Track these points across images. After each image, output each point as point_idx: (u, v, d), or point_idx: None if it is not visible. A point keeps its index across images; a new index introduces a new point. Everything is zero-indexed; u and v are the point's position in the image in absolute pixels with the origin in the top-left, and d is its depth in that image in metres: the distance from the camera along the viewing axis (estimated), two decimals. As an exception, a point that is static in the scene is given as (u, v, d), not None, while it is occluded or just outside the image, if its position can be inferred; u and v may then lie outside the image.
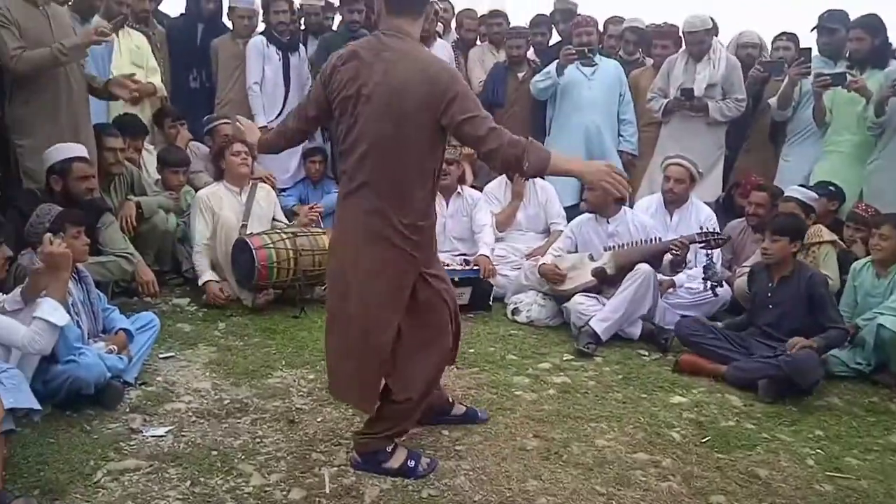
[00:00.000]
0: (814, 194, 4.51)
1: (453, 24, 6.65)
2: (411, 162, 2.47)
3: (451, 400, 3.10)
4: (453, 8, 6.69)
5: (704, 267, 4.25)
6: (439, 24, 6.12)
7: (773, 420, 3.36)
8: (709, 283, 4.23)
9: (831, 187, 4.75)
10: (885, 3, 4.93)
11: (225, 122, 5.32)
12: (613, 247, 4.38)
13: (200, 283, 4.42)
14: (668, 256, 4.28)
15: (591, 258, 4.42)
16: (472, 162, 5.66)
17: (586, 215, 4.63)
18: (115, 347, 3.19)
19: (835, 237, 4.44)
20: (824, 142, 5.06)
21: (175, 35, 5.89)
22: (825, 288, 3.80)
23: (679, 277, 4.51)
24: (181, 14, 6.13)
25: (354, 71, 2.47)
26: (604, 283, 4.33)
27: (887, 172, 4.61)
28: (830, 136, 5.02)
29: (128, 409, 3.04)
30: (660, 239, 4.35)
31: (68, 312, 2.89)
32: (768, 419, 3.36)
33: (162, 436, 2.84)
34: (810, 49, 5.11)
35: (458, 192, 5.12)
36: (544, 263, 4.51)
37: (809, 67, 4.95)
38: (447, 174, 4.92)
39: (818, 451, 3.09)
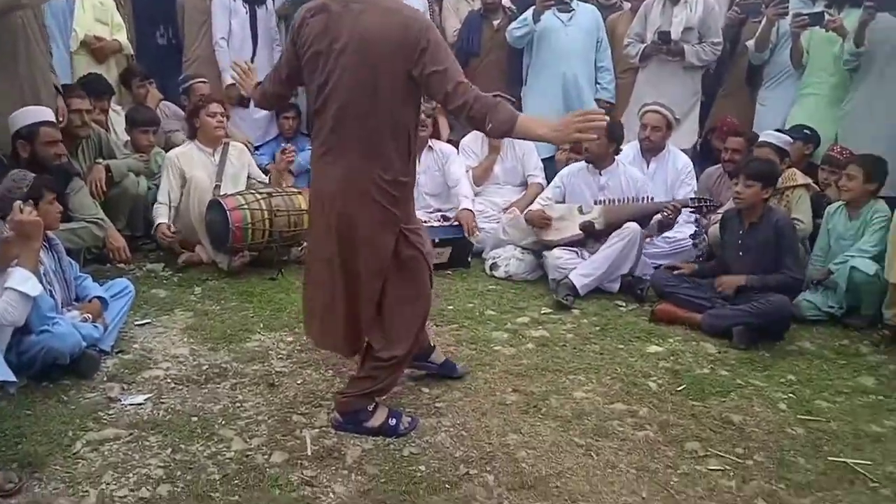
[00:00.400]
0: (788, 138, 4.50)
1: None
2: (387, 116, 2.42)
3: (432, 344, 3.11)
4: None
5: (692, 235, 4.34)
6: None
7: (746, 366, 3.42)
8: (695, 248, 4.31)
9: (806, 131, 4.74)
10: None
11: (201, 82, 5.19)
12: (604, 201, 4.36)
13: (154, 228, 4.38)
14: (657, 217, 4.28)
15: (581, 210, 4.39)
16: (446, 115, 5.59)
17: (578, 164, 4.59)
18: (90, 316, 3.15)
19: (808, 180, 4.44)
20: (801, 84, 5.04)
21: None
22: (791, 232, 3.81)
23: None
24: None
25: (323, 24, 2.41)
26: (589, 238, 4.33)
27: (861, 114, 4.62)
28: (807, 79, 4.99)
29: (105, 378, 3.03)
30: (652, 198, 4.36)
31: (40, 282, 2.84)
32: (742, 365, 3.43)
33: (141, 404, 2.84)
34: None
35: (430, 147, 5.06)
36: (531, 210, 4.50)
37: (787, 7, 4.90)
38: (424, 127, 4.86)
39: (790, 395, 3.16)
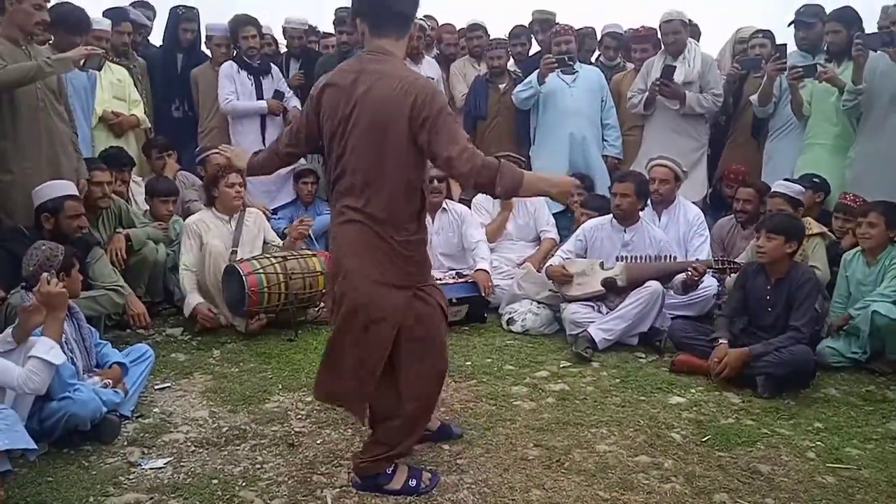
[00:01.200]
0: (800, 188, 4.53)
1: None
2: (399, 180, 2.48)
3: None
4: (436, 21, 6.74)
5: (715, 295, 4.41)
6: (426, 40, 6.17)
7: (771, 415, 3.36)
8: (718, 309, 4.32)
9: (816, 179, 4.78)
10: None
11: (216, 153, 5.32)
12: (627, 258, 4.37)
13: (187, 307, 4.41)
14: (680, 277, 4.29)
15: (602, 266, 4.40)
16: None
17: (602, 219, 4.63)
18: (111, 381, 3.17)
19: (823, 229, 4.46)
20: (806, 135, 5.10)
21: (156, 66, 5.93)
22: (811, 289, 3.76)
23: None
24: (160, 45, 6.16)
25: (335, 98, 2.52)
26: (610, 293, 4.33)
27: (867, 160, 4.65)
28: (811, 129, 5.07)
29: (125, 443, 3.02)
30: (675, 258, 4.38)
31: (61, 349, 2.88)
32: (767, 414, 3.37)
33: (161, 467, 2.82)
34: (785, 45, 5.17)
35: (444, 209, 5.11)
36: (551, 265, 4.51)
37: (784, 63, 5.00)
38: (439, 191, 4.94)
39: (818, 443, 3.10)
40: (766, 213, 4.44)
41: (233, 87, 5.68)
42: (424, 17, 6.72)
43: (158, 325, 4.52)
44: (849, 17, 4.92)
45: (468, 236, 5.03)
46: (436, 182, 4.94)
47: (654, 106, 5.53)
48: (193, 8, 5.94)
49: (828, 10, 5.12)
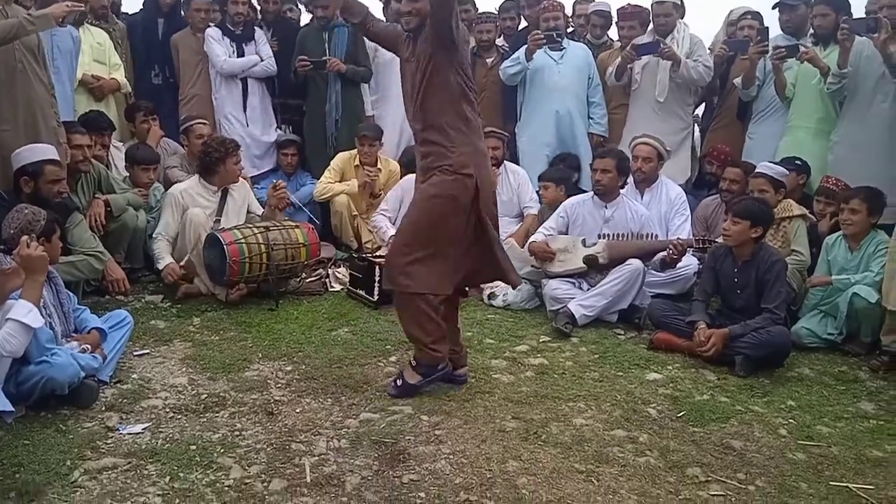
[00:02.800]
0: (783, 170, 4.56)
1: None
2: None
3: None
4: None
5: (697, 273, 4.43)
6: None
7: (746, 392, 3.42)
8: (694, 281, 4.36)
9: (798, 161, 4.81)
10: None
11: (201, 123, 5.25)
12: (608, 235, 4.38)
13: (160, 267, 4.40)
14: (661, 255, 4.32)
15: (584, 243, 4.41)
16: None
17: (583, 196, 4.64)
18: (89, 346, 3.15)
19: (804, 211, 4.49)
20: (788, 118, 5.13)
21: (135, 31, 5.80)
22: (780, 271, 3.78)
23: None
24: (140, 10, 6.01)
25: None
26: (591, 270, 4.35)
27: (850, 144, 4.68)
28: (794, 112, 5.09)
29: (103, 408, 3.01)
30: (655, 235, 4.40)
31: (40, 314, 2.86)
32: (741, 392, 3.43)
33: (139, 433, 2.82)
34: (768, 28, 5.20)
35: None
36: (534, 241, 4.52)
37: (767, 46, 5.02)
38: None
39: (790, 420, 3.16)
40: (749, 193, 4.47)
41: (223, 49, 5.61)
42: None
43: (138, 291, 4.49)
44: (837, 1, 4.93)
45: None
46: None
47: (627, 76, 5.53)
48: None
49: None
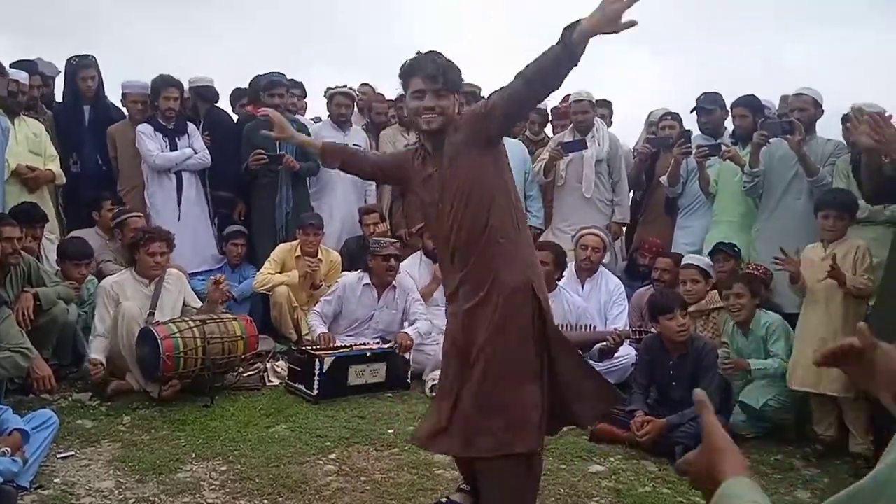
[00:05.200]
0: (709, 261, 4.75)
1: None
2: None
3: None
4: (373, 90, 6.86)
5: (634, 363, 4.46)
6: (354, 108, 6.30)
7: (686, 483, 3.43)
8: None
9: (735, 248, 4.93)
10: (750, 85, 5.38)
11: (136, 216, 5.19)
12: None
13: (86, 359, 4.25)
14: (599, 345, 4.39)
15: None
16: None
17: None
18: (9, 449, 2.96)
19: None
20: (714, 212, 5.39)
21: (61, 119, 5.71)
22: (711, 361, 3.92)
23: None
24: (61, 99, 5.91)
25: None
26: None
27: (768, 237, 4.88)
28: (718, 207, 5.36)
29: (22, 517, 2.83)
30: (594, 327, 4.50)
31: (-45, 414, 2.70)
32: (682, 483, 3.43)
33: (60, 543, 2.65)
34: (690, 131, 5.58)
35: (393, 286, 5.09)
36: None
37: (690, 147, 5.34)
38: (392, 270, 4.99)
39: (731, 510, 3.17)
40: (682, 282, 4.62)
41: (156, 144, 5.60)
42: (362, 84, 6.87)
43: (65, 389, 4.29)
44: (754, 105, 5.33)
45: (411, 311, 5.06)
46: (392, 261, 4.97)
47: (553, 173, 5.78)
48: (88, 55, 5.74)
49: (727, 99, 5.53)
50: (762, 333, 4.16)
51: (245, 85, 6.36)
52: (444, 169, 2.63)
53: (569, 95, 6.37)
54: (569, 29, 2.27)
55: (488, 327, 2.56)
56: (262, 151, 5.56)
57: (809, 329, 3.97)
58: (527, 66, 2.40)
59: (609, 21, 2.21)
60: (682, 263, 4.78)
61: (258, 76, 5.99)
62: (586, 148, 5.59)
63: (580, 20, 2.25)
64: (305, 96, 6.89)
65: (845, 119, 4.76)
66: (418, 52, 2.67)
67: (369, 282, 5.08)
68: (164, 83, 5.66)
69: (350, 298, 5.10)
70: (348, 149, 3.27)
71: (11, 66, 5.11)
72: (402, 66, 2.67)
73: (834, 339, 3.78)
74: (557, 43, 2.30)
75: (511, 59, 6.63)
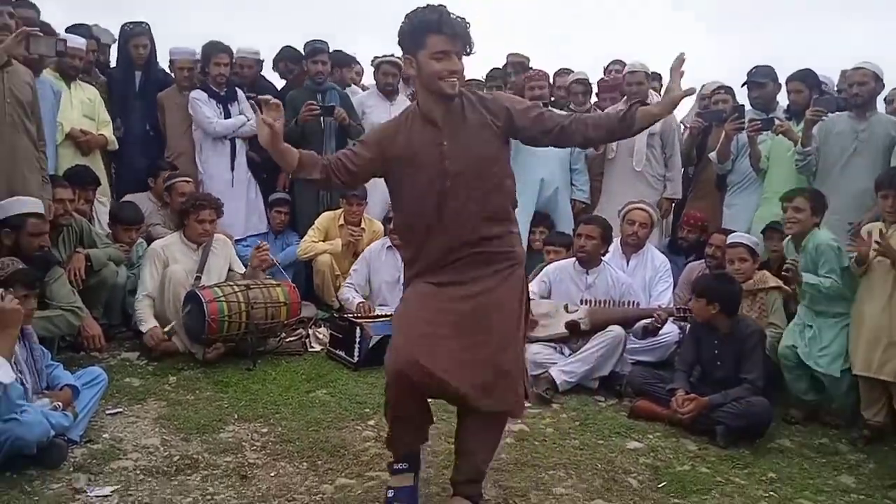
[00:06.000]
0: (756, 239, 4.64)
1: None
2: None
3: None
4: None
5: (677, 341, 4.44)
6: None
7: (726, 463, 3.39)
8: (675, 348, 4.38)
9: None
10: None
11: (184, 181, 5.27)
12: (590, 301, 4.40)
13: (144, 330, 4.34)
14: (642, 322, 4.35)
15: (567, 309, 4.42)
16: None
17: (565, 262, 4.66)
18: (60, 404, 3.08)
19: (780, 283, 4.53)
20: (763, 189, 5.24)
21: (115, 85, 5.77)
22: (756, 342, 3.83)
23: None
24: (114, 66, 5.94)
25: None
26: (573, 336, 4.36)
27: (825, 216, 4.75)
28: (769, 184, 5.19)
29: (72, 469, 2.92)
30: (637, 303, 4.44)
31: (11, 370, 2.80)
32: (722, 463, 3.40)
33: (107, 495, 2.73)
34: (743, 106, 5.35)
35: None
36: None
37: (743, 122, 5.16)
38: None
39: (771, 493, 3.13)
40: (729, 262, 4.52)
41: (211, 110, 5.64)
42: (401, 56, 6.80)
43: (114, 348, 4.42)
44: (810, 79, 5.13)
45: None
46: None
47: (604, 146, 5.65)
48: (142, 22, 5.76)
49: (781, 74, 5.33)
50: (813, 254, 4.03)
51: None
52: (455, 140, 2.55)
53: (613, 66, 6.25)
54: (632, 110, 2.54)
55: (505, 298, 2.62)
56: (314, 103, 5.56)
57: (864, 309, 3.83)
58: (589, 120, 2.62)
59: (670, 109, 2.64)
60: (729, 242, 4.65)
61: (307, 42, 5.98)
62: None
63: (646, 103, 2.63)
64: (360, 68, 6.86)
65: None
66: (430, 5, 2.47)
67: (391, 244, 5.11)
68: (215, 49, 5.68)
69: (375, 263, 5.24)
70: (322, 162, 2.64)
71: (67, 30, 5.20)
72: (416, 20, 2.47)
73: (890, 321, 3.68)
74: (622, 118, 2.55)
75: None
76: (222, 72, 5.67)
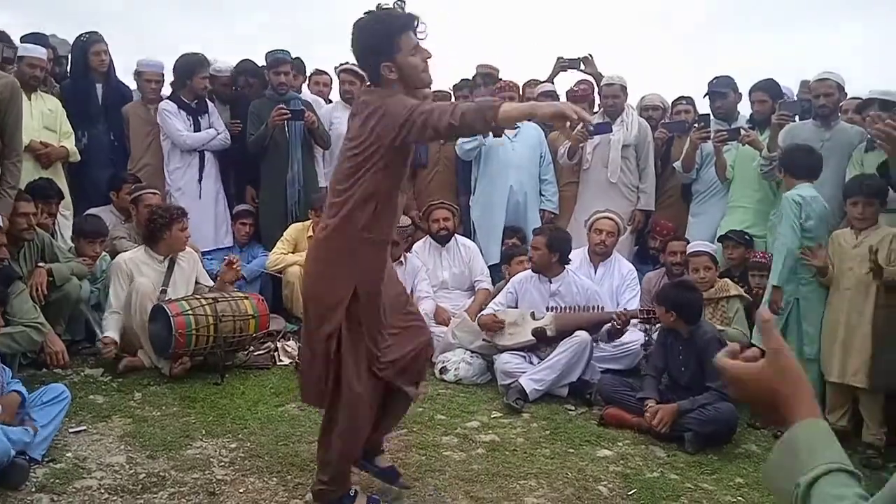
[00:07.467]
0: (714, 246, 4.71)
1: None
2: None
3: (382, 447, 3.04)
4: None
5: (643, 344, 4.50)
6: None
7: (695, 469, 3.43)
8: (645, 360, 4.39)
9: (746, 236, 4.91)
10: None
11: (151, 193, 5.19)
12: (556, 308, 4.44)
13: (99, 335, 4.28)
14: (607, 326, 4.39)
15: (533, 316, 4.45)
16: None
17: (529, 272, 4.70)
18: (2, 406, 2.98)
19: (741, 291, 4.61)
20: (729, 198, 5.32)
21: (72, 96, 5.62)
22: (713, 348, 3.78)
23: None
24: (69, 76, 5.81)
25: None
26: (541, 343, 4.38)
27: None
28: (734, 193, 5.28)
29: (34, 489, 2.86)
30: (602, 308, 4.47)
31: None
32: (691, 469, 3.43)
33: (71, 516, 2.68)
34: (709, 115, 5.44)
35: (400, 262, 5.11)
36: (483, 314, 4.54)
37: (709, 132, 5.24)
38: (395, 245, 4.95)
39: (739, 498, 3.17)
40: (694, 270, 4.60)
41: (181, 122, 5.58)
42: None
43: (77, 364, 4.33)
44: (773, 89, 5.23)
45: (417, 290, 5.08)
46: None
47: (579, 155, 5.70)
48: (96, 32, 5.65)
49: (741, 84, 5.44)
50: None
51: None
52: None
53: (582, 79, 6.31)
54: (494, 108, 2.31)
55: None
56: (284, 107, 5.52)
57: (836, 316, 3.90)
58: (457, 110, 2.34)
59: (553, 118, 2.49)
60: (693, 250, 4.74)
61: (268, 53, 5.94)
62: (611, 132, 5.51)
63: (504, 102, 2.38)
64: (304, 73, 6.75)
65: (860, 108, 4.64)
66: (382, 10, 2.51)
67: None
68: (201, 63, 5.65)
69: None
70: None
71: (23, 38, 5.10)
72: (382, 28, 2.49)
73: (860, 325, 3.76)
74: (487, 115, 2.30)
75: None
76: (207, 85, 5.65)
